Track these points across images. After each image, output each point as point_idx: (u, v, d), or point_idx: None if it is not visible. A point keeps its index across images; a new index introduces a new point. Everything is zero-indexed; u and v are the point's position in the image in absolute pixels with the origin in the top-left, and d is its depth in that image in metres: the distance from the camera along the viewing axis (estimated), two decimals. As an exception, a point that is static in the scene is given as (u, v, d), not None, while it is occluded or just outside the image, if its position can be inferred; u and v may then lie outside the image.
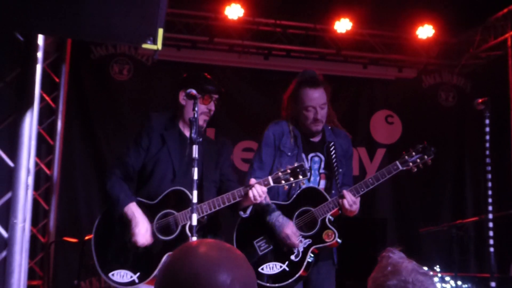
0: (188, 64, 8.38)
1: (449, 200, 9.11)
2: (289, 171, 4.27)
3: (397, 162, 4.57)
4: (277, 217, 4.52)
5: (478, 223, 7.10)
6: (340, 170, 4.76)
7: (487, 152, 4.76)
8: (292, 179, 4.27)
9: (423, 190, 8.94)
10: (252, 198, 4.24)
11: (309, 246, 4.53)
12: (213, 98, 4.51)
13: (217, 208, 4.27)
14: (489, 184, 4.75)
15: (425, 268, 2.13)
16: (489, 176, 4.75)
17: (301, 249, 4.52)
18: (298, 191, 4.63)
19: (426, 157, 4.60)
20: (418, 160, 4.59)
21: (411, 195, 8.97)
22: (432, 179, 8.94)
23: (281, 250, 4.54)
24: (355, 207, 4.53)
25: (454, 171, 9.24)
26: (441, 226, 6.96)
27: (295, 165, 4.33)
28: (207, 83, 4.51)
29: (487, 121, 4.78)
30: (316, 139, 4.82)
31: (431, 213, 8.86)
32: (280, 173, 4.28)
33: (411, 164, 4.58)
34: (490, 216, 4.75)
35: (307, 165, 4.66)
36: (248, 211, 4.49)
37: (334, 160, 4.71)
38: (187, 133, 4.52)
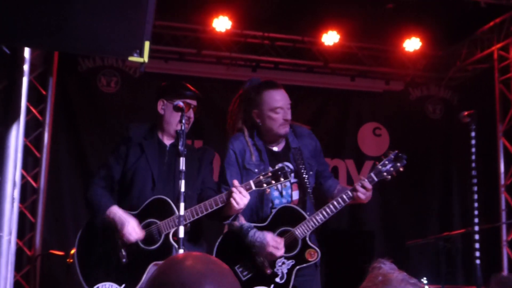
0: (176, 76, 8.37)
1: (436, 212, 9.13)
2: (270, 174, 4.20)
3: (372, 174, 4.44)
4: (254, 234, 4.34)
5: (465, 235, 7.12)
6: (311, 172, 4.61)
7: (473, 165, 4.78)
8: (274, 181, 4.20)
9: (410, 202, 8.96)
10: (234, 203, 4.10)
11: (292, 267, 4.39)
12: (191, 105, 4.49)
13: (200, 215, 4.21)
14: (475, 196, 4.76)
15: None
16: (475, 188, 4.77)
17: (285, 271, 4.38)
18: (274, 212, 4.46)
19: (398, 164, 4.46)
20: (392, 169, 4.45)
21: (398, 208, 8.99)
22: (419, 191, 8.98)
23: (264, 274, 4.37)
24: (369, 194, 4.40)
25: (441, 183, 9.28)
26: (428, 238, 6.97)
27: (277, 167, 4.29)
28: (184, 90, 4.51)
29: (473, 134, 4.81)
30: (279, 147, 4.63)
31: (418, 225, 8.88)
32: (261, 177, 4.21)
33: (385, 174, 4.45)
34: (476, 228, 4.77)
35: (290, 166, 4.52)
36: (230, 219, 4.35)
37: (302, 169, 4.55)
38: (166, 141, 4.53)
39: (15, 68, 3.44)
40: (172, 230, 4.22)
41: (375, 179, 4.43)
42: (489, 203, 7.87)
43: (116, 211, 4.29)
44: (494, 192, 8.02)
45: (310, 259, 4.43)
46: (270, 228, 4.43)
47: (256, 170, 4.48)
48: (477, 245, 4.76)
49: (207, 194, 4.39)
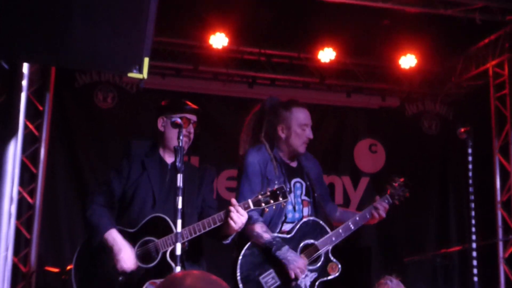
0: (173, 92, 8.38)
1: (433, 228, 9.13)
2: (269, 193, 4.19)
3: (388, 196, 4.70)
4: (287, 252, 4.39)
5: (462, 252, 7.12)
6: (316, 194, 4.71)
7: (470, 181, 4.79)
8: (272, 201, 4.19)
9: (407, 218, 8.94)
10: (232, 222, 4.08)
11: (315, 279, 4.48)
12: (191, 121, 4.50)
13: (198, 233, 4.19)
14: (473, 213, 4.76)
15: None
16: (473, 205, 4.77)
17: (308, 283, 4.45)
18: (299, 224, 4.54)
19: (407, 190, 4.72)
20: (401, 193, 4.71)
21: (395, 224, 8.96)
22: (416, 207, 8.96)
23: (288, 285, 4.43)
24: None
25: (438, 199, 9.28)
26: (426, 255, 6.96)
27: (275, 187, 4.28)
28: (183, 106, 4.51)
29: (469, 150, 4.81)
30: (294, 164, 4.75)
31: (415, 242, 8.86)
32: (260, 196, 4.20)
33: (395, 198, 4.72)
34: (474, 245, 4.76)
35: (287, 187, 4.55)
36: (230, 239, 4.35)
37: (310, 186, 4.69)
38: (167, 159, 4.52)
39: (13, 83, 3.45)
40: (170, 249, 4.19)
41: (390, 201, 4.70)
42: (485, 219, 7.86)
43: (115, 236, 4.26)
44: (490, 208, 8.01)
45: (331, 273, 4.53)
46: (294, 239, 4.51)
47: (276, 182, 4.51)
48: (474, 262, 4.75)
49: (207, 213, 4.36)
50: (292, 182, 4.64)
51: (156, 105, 4.71)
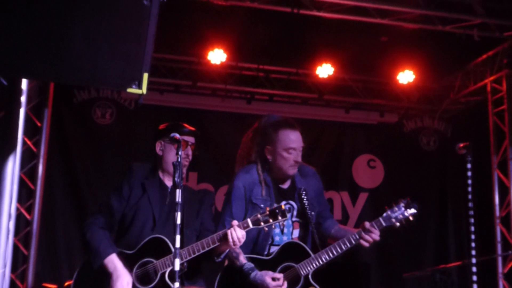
0: (171, 108, 8.40)
1: (432, 244, 9.12)
2: (268, 212, 4.19)
3: (381, 219, 4.41)
4: (255, 276, 4.30)
5: (461, 267, 7.09)
6: (313, 213, 4.61)
7: (470, 196, 4.77)
8: (271, 220, 4.19)
9: (406, 234, 8.91)
10: (231, 242, 4.09)
11: None
12: (188, 143, 4.50)
13: (197, 253, 4.19)
14: (472, 228, 4.74)
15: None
16: (472, 220, 4.75)
17: None
18: (280, 247, 4.46)
19: (409, 212, 4.43)
20: (401, 216, 4.44)
21: (393, 239, 8.94)
22: (415, 223, 8.95)
23: None
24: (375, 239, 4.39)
25: (436, 215, 9.27)
26: (425, 270, 6.93)
27: (274, 206, 4.27)
28: (181, 128, 4.51)
29: (469, 166, 4.80)
30: (286, 185, 4.65)
31: (414, 257, 8.85)
32: (259, 215, 4.20)
33: (393, 220, 4.42)
34: (474, 260, 4.74)
35: (293, 204, 4.53)
36: (222, 256, 4.34)
37: (307, 208, 4.53)
38: (167, 182, 4.53)
39: (12, 99, 3.44)
40: (168, 269, 4.19)
41: (383, 224, 4.42)
42: (483, 235, 7.84)
43: (116, 263, 4.25)
44: (489, 223, 8.00)
45: None
46: (273, 262, 4.41)
47: (262, 205, 4.46)
48: (474, 278, 4.73)
49: (205, 236, 4.33)
50: (282, 203, 4.39)
51: (154, 128, 4.72)
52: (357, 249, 8.61)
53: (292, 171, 4.54)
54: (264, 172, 4.57)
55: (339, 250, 4.37)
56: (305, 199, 4.56)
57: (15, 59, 2.96)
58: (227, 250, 4.31)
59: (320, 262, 4.36)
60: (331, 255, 4.37)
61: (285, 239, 4.54)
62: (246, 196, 4.52)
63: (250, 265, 4.37)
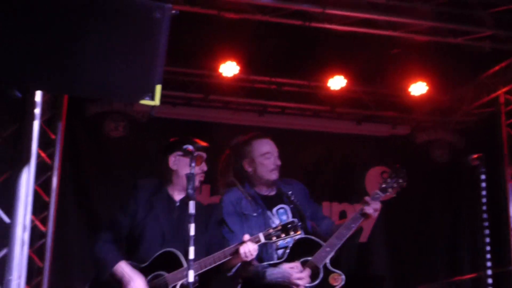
0: (183, 121, 8.42)
1: (445, 256, 9.06)
2: (280, 227, 4.23)
3: (377, 191, 4.63)
4: (271, 273, 4.37)
5: (476, 279, 7.04)
6: (307, 214, 4.71)
7: (484, 208, 4.75)
8: (284, 235, 4.23)
9: (419, 246, 8.89)
10: (243, 255, 4.16)
11: None
12: (203, 158, 4.53)
13: (208, 267, 4.20)
14: (488, 239, 4.72)
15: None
16: (487, 231, 4.73)
17: None
18: (290, 246, 4.51)
19: (401, 180, 4.65)
20: (395, 184, 4.66)
21: (407, 252, 8.91)
22: (428, 234, 8.92)
23: None
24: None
25: (448, 226, 9.21)
26: (439, 282, 6.90)
27: (287, 221, 4.30)
28: (194, 144, 4.52)
29: (482, 177, 4.79)
30: (273, 192, 4.78)
31: (428, 269, 8.79)
32: (271, 230, 4.24)
33: (390, 190, 4.63)
34: (489, 272, 4.71)
35: (296, 221, 4.49)
36: (233, 270, 4.39)
37: (300, 207, 4.68)
38: (176, 197, 4.54)
39: (26, 111, 3.47)
40: (180, 283, 4.20)
41: (381, 194, 4.62)
42: (498, 246, 7.79)
43: (123, 267, 4.27)
44: (504, 235, 7.94)
45: (335, 284, 4.42)
46: (289, 261, 4.45)
47: (255, 214, 4.59)
48: (490, 290, 4.70)
49: (214, 251, 4.36)
50: (274, 209, 4.67)
51: (164, 142, 4.73)
52: (371, 262, 8.65)
53: (274, 175, 4.71)
54: (246, 187, 4.71)
55: (348, 231, 4.49)
56: (295, 200, 4.70)
57: (29, 71, 2.99)
58: (238, 264, 4.35)
59: (334, 247, 4.43)
60: (342, 238, 4.47)
61: (288, 240, 4.53)
62: (236, 210, 4.62)
63: (263, 264, 4.43)
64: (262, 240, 4.20)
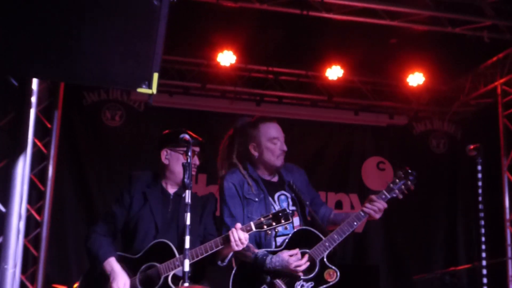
0: (180, 110, 8.41)
1: (441, 246, 9.08)
2: (271, 216, 4.21)
3: (384, 191, 4.51)
4: (271, 260, 4.32)
5: (471, 270, 7.06)
6: (307, 202, 4.68)
7: (480, 198, 4.74)
8: (274, 223, 4.19)
9: (415, 237, 8.91)
10: (234, 244, 4.11)
11: None
12: (195, 152, 4.51)
13: (200, 257, 4.19)
14: (483, 230, 4.72)
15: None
16: (482, 222, 4.73)
17: None
18: (290, 235, 4.48)
19: (409, 183, 4.53)
20: (403, 187, 4.52)
21: (403, 242, 8.94)
22: (424, 225, 8.94)
23: None
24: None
25: (445, 217, 9.24)
26: (435, 273, 6.92)
27: (277, 209, 4.29)
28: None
29: (479, 167, 4.77)
30: (275, 179, 4.72)
31: (424, 260, 8.81)
32: (262, 218, 4.21)
33: (397, 191, 4.51)
34: (484, 263, 4.71)
35: (289, 210, 4.42)
36: (226, 260, 4.38)
37: (301, 195, 4.64)
38: (170, 190, 4.54)
39: (22, 100, 3.45)
40: (172, 273, 4.22)
41: (388, 196, 4.50)
42: (493, 237, 7.81)
43: (112, 264, 4.31)
44: (500, 226, 7.96)
45: (329, 280, 4.39)
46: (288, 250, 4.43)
47: (257, 199, 4.53)
48: (484, 280, 4.70)
49: (209, 241, 4.35)
50: (276, 195, 4.62)
51: (159, 135, 4.71)
52: (366, 253, 8.67)
53: (280, 161, 4.64)
54: (249, 170, 4.64)
55: (350, 228, 4.43)
56: (296, 189, 4.65)
57: (25, 59, 2.97)
58: (231, 254, 4.35)
59: (333, 243, 4.40)
60: (343, 234, 4.43)
61: (288, 228, 4.54)
62: (238, 193, 4.56)
63: (262, 251, 4.39)
64: (253, 229, 4.18)
